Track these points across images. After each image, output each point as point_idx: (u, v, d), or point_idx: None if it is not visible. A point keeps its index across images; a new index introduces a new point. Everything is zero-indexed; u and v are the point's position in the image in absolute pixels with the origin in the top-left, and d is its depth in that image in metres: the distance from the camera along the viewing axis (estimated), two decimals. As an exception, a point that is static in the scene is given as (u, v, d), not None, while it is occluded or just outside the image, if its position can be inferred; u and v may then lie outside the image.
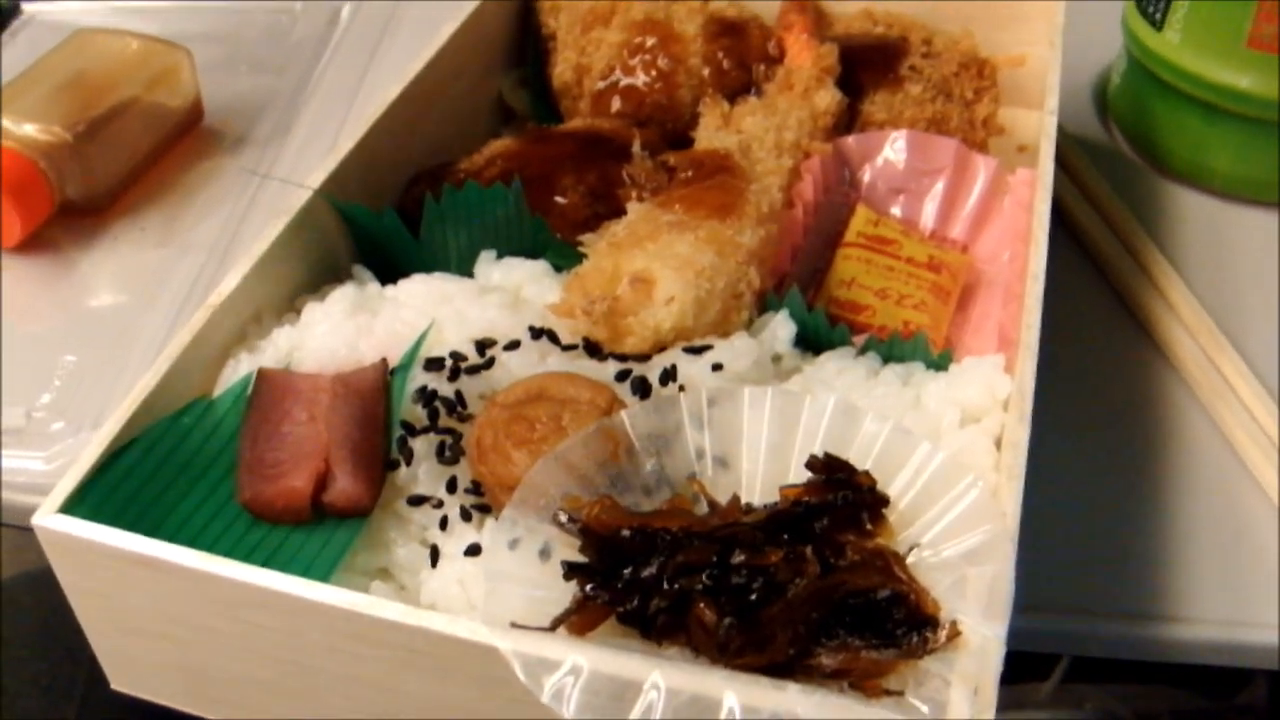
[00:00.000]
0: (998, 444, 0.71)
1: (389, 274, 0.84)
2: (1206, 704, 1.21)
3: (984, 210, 0.94)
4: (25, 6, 1.41)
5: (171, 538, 0.63)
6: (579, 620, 0.58)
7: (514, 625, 0.57)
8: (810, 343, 0.79)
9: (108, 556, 0.63)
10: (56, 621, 1.02)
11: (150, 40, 1.16)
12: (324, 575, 0.65)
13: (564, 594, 0.59)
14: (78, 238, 1.08)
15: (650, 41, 0.98)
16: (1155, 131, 1.13)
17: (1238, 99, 1.04)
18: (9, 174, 1.02)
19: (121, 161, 1.11)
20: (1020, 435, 0.66)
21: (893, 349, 0.78)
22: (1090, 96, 1.22)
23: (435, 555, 0.67)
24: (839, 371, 0.76)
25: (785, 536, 0.61)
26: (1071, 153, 1.11)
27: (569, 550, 0.61)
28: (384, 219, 0.85)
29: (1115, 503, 0.85)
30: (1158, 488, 0.86)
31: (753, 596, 0.58)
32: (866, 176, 0.94)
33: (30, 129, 1.04)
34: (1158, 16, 1.07)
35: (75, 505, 0.65)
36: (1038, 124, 1.03)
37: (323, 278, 0.84)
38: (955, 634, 0.58)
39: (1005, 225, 0.92)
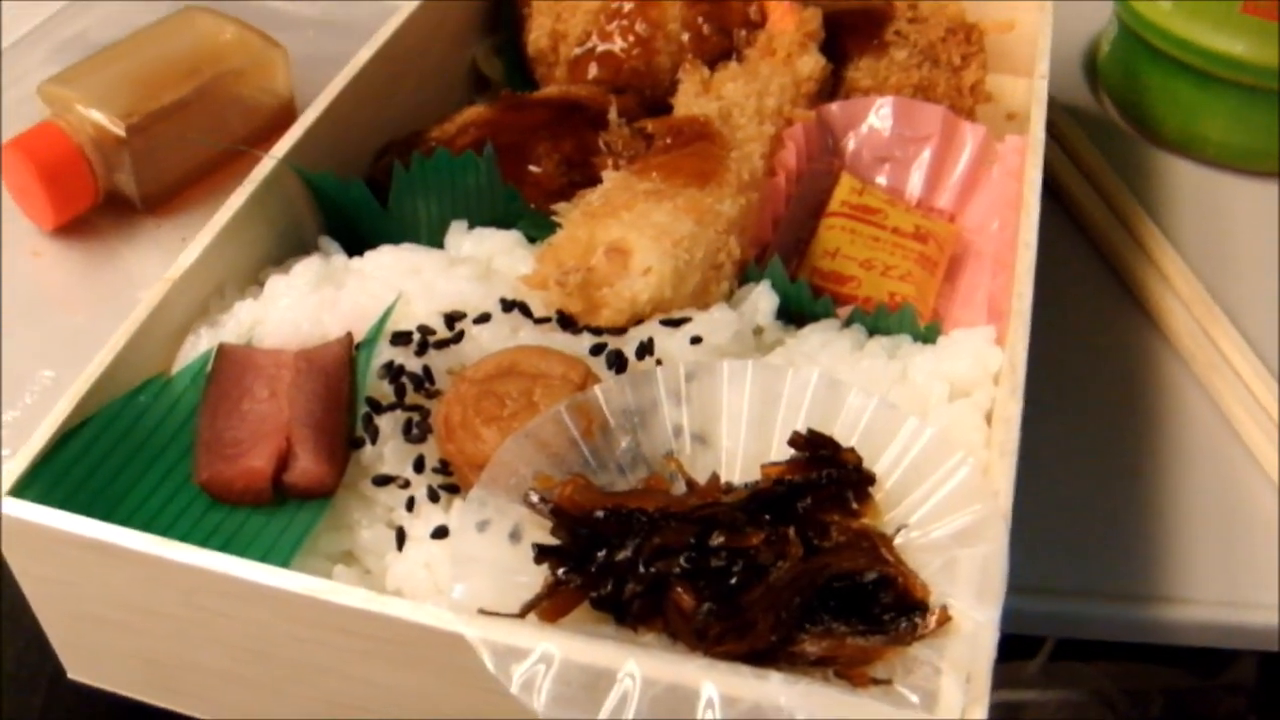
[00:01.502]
0: (988, 419, 0.69)
1: (357, 246, 0.81)
2: (1195, 681, 1.19)
3: (971, 179, 0.91)
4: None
5: (127, 521, 0.61)
6: (550, 606, 0.55)
7: (481, 611, 0.55)
8: (793, 315, 0.76)
9: (60, 542, 0.61)
10: (19, 608, 0.99)
11: (247, 30, 1.08)
12: (285, 559, 0.62)
13: (535, 578, 0.57)
14: (122, 233, 1.02)
15: (628, 7, 0.95)
16: (1147, 100, 1.10)
17: (1232, 66, 1.02)
18: (50, 156, 0.97)
19: (181, 160, 1.04)
20: (1012, 410, 0.64)
21: (878, 321, 0.75)
22: (1080, 64, 1.19)
23: (401, 538, 0.64)
24: (823, 344, 0.73)
25: (767, 517, 0.58)
26: (1061, 121, 1.09)
27: (540, 532, 0.58)
28: (351, 189, 0.82)
29: (1108, 480, 0.83)
30: (1152, 465, 0.84)
31: (733, 580, 0.56)
32: (851, 145, 0.92)
33: (88, 111, 0.98)
34: (1150, -19, 1.04)
35: (26, 488, 0.63)
36: (1026, 91, 1.01)
37: (288, 250, 0.81)
38: (946, 619, 0.55)
39: (994, 194, 0.90)
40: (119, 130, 0.98)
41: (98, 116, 0.98)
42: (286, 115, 1.09)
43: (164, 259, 0.99)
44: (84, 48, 1.20)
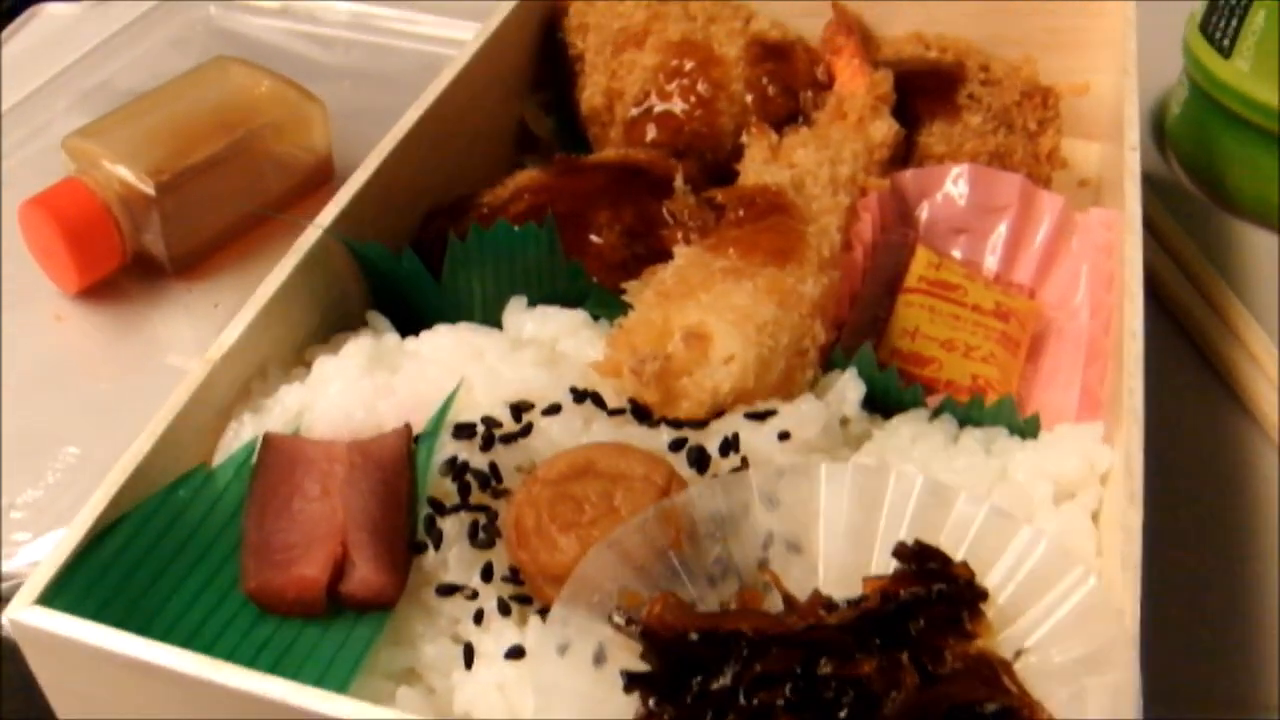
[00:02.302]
0: (1094, 521, 0.64)
1: (406, 321, 0.77)
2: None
3: (1050, 252, 0.87)
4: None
5: (167, 633, 0.57)
6: (644, 742, 0.50)
7: (569, 750, 0.50)
8: (878, 403, 0.71)
9: (92, 657, 0.56)
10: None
11: (283, 82, 1.04)
12: (344, 679, 0.57)
13: (623, 707, 0.52)
14: (150, 297, 0.97)
15: (689, 65, 0.91)
16: (1220, 165, 1.06)
17: (1313, 131, 0.97)
18: (74, 215, 0.92)
19: (214, 220, 0.99)
20: (1133, 519, 0.59)
21: (972, 411, 0.70)
22: (1147, 126, 1.14)
23: (470, 655, 0.59)
24: (914, 438, 0.68)
25: (877, 640, 0.53)
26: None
27: (627, 655, 0.54)
28: (402, 261, 0.77)
29: (1218, 585, 0.78)
30: (1251, 555, 0.78)
31: (843, 713, 0.51)
32: (925, 214, 0.87)
33: (115, 168, 0.94)
34: (1226, 43, 1.00)
35: (55, 596, 0.58)
36: (1098, 157, 0.98)
37: (334, 326, 0.77)
38: (1080, 757, 0.50)
39: (1073, 268, 0.85)
40: (148, 188, 0.93)
41: (125, 173, 0.94)
42: (324, 171, 1.06)
43: (194, 326, 0.96)
44: (109, 96, 1.16)
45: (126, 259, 0.96)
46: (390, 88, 1.18)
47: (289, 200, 1.02)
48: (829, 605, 0.56)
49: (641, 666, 0.53)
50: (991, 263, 0.87)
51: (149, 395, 0.86)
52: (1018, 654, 0.55)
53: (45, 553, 0.77)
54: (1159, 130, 1.14)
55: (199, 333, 0.95)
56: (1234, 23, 0.99)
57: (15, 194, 0.98)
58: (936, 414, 0.71)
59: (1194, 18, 1.06)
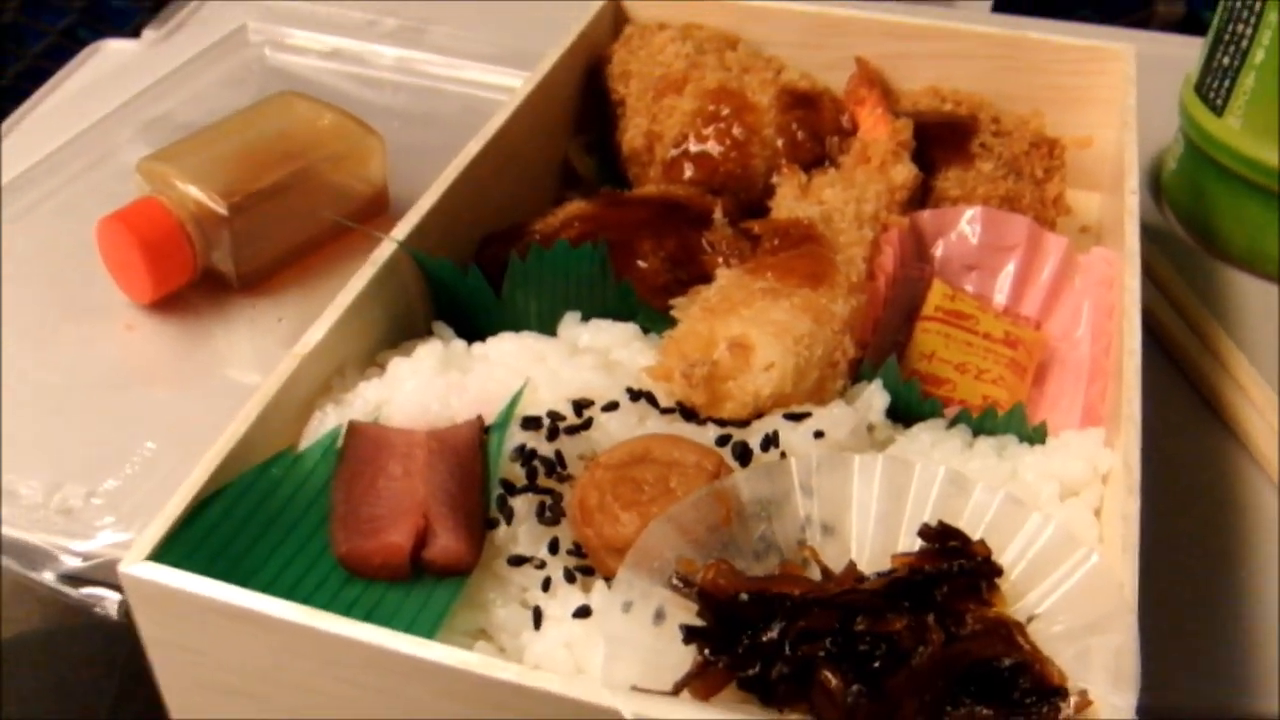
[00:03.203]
0: (1096, 516, 0.71)
1: (466, 334, 0.83)
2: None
3: (1055, 288, 0.94)
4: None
5: (264, 591, 0.61)
6: (701, 685, 0.57)
7: (635, 689, 0.56)
8: (900, 414, 0.78)
9: (200, 608, 0.61)
10: (61, 689, 0.99)
11: (344, 117, 1.11)
12: (428, 634, 0.63)
13: (681, 659, 0.58)
14: (217, 310, 1.05)
15: (725, 110, 0.98)
16: (1213, 216, 1.13)
17: (1301, 185, 1.05)
18: (152, 230, 0.99)
19: (278, 241, 1.06)
20: (1131, 508, 0.65)
21: (984, 422, 0.77)
22: (1145, 180, 1.22)
23: (539, 617, 0.65)
24: (933, 443, 0.75)
25: (906, 604, 0.60)
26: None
27: (684, 614, 0.60)
28: (468, 277, 0.84)
29: (1196, 586, 0.84)
30: (1236, 567, 0.85)
31: (877, 664, 0.57)
32: (940, 251, 0.94)
33: (188, 188, 1.01)
34: (1219, 102, 1.08)
35: (163, 554, 0.63)
36: (1099, 205, 1.05)
37: (401, 334, 0.83)
38: (1086, 704, 0.57)
39: (1075, 304, 0.92)
40: (221, 208, 1.00)
41: (199, 194, 1.00)
42: (380, 202, 1.12)
43: (257, 338, 1.02)
44: (170, 129, 1.23)
45: (197, 274, 1.03)
46: (436, 127, 1.26)
47: (345, 228, 1.09)
48: (861, 578, 0.62)
49: (699, 623, 0.59)
50: (1001, 297, 0.94)
51: (213, 400, 0.94)
52: (1029, 620, 0.61)
53: (125, 536, 0.85)
54: (1156, 184, 1.21)
55: (258, 344, 1.02)
56: (1226, 84, 1.07)
57: (84, 215, 1.06)
58: (953, 423, 0.77)
59: (1189, 79, 1.13)
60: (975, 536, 0.64)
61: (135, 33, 1.45)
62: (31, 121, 1.28)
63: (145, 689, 0.68)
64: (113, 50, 1.41)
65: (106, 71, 1.37)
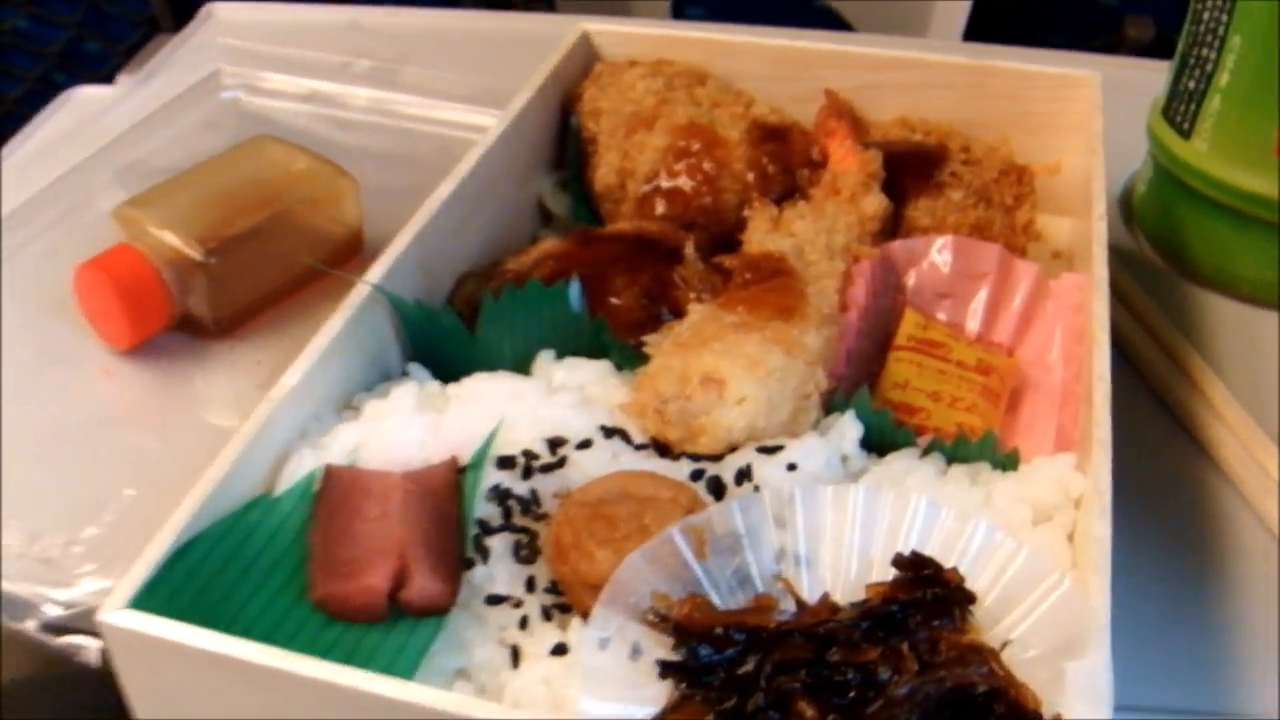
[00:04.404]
0: (1069, 540, 0.71)
1: (440, 375, 0.83)
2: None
3: (1027, 314, 0.94)
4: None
5: (243, 636, 0.61)
6: (678, 718, 0.57)
7: (614, 724, 0.57)
8: (874, 444, 0.79)
9: (179, 655, 0.61)
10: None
11: (318, 160, 1.11)
12: (407, 675, 0.63)
13: (658, 694, 0.59)
14: (194, 354, 1.04)
15: (695, 146, 0.99)
16: (1182, 238, 1.14)
17: (1267, 206, 1.06)
18: (127, 277, 0.99)
19: (254, 286, 1.06)
20: (1102, 530, 0.66)
21: (957, 450, 0.78)
22: (1114, 204, 1.23)
23: (517, 655, 0.66)
24: (907, 471, 0.75)
25: (880, 634, 0.60)
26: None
27: (660, 649, 0.60)
28: (442, 317, 0.84)
29: (1169, 601, 0.85)
30: (1208, 583, 0.86)
31: (852, 694, 0.58)
32: (912, 281, 0.95)
33: (164, 235, 1.00)
34: (1186, 125, 1.09)
35: (141, 601, 0.63)
36: (1070, 231, 1.05)
37: (376, 376, 0.83)
38: (1061, 729, 0.57)
39: (1047, 330, 0.93)
40: (197, 254, 1.00)
41: (175, 240, 1.00)
42: (354, 244, 1.12)
43: (235, 382, 1.02)
44: (146, 173, 1.23)
45: (174, 320, 1.03)
46: (411, 168, 1.26)
47: (320, 271, 1.09)
48: (836, 609, 0.63)
49: (675, 658, 0.60)
50: (973, 324, 0.94)
51: (192, 444, 0.94)
52: (1003, 646, 0.61)
53: (106, 584, 0.85)
54: (1126, 207, 1.22)
55: (236, 388, 1.02)
56: (1193, 107, 1.08)
57: (60, 261, 1.06)
58: (926, 452, 0.78)
59: (1157, 104, 1.14)
60: (949, 564, 0.64)
61: (109, 78, 1.45)
62: (7, 168, 1.27)
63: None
64: (87, 96, 1.41)
65: (81, 117, 1.37)
